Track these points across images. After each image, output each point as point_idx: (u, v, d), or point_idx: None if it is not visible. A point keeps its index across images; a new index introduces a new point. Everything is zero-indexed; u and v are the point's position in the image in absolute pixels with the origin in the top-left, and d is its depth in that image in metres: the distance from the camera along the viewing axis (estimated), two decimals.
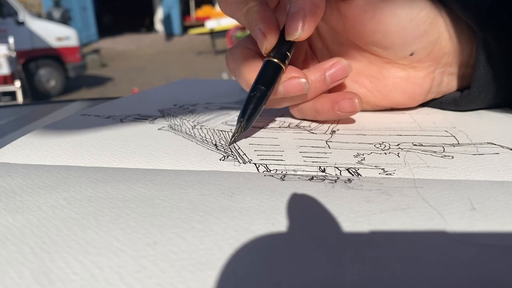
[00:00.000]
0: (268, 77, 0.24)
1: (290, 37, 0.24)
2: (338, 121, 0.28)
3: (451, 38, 0.28)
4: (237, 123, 0.24)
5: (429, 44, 0.27)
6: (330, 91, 0.28)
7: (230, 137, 0.24)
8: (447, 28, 0.27)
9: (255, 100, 0.24)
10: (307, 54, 0.30)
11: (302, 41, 0.28)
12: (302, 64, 0.30)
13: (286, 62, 0.25)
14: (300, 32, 0.23)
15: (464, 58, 0.28)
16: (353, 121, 0.28)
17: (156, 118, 0.29)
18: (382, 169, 0.19)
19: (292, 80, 0.25)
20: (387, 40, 0.26)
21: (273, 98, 0.26)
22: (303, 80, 0.25)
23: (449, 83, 0.30)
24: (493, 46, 0.26)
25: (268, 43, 0.24)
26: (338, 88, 0.29)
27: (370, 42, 0.27)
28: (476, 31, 0.26)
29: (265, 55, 0.25)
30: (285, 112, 0.31)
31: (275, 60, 0.24)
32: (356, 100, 0.26)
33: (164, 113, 0.30)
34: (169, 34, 9.71)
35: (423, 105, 0.32)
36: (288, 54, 0.25)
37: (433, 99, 0.31)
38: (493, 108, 0.30)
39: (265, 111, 0.31)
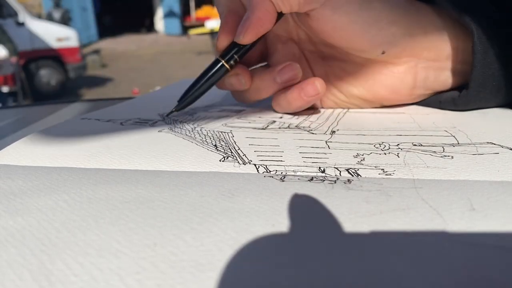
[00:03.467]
0: (209, 72, 0.29)
1: (235, 39, 0.28)
2: (337, 121, 0.28)
3: (428, 33, 0.28)
4: (176, 103, 0.30)
5: (398, 41, 0.28)
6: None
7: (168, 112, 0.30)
8: (420, 24, 0.28)
9: (193, 89, 0.29)
10: (295, 57, 0.32)
11: (290, 46, 0.32)
12: None
13: (232, 62, 0.29)
14: (241, 37, 0.27)
15: (451, 53, 0.29)
16: (352, 121, 0.28)
17: (156, 122, 0.29)
18: (382, 169, 0.19)
19: (233, 76, 0.29)
20: (355, 45, 0.28)
21: (238, 92, 0.31)
22: (241, 76, 0.30)
23: (438, 79, 0.30)
24: (490, 46, 0.26)
25: (219, 43, 0.29)
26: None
27: (343, 47, 0.29)
28: (472, 30, 0.27)
29: (216, 54, 0.29)
30: (285, 114, 0.31)
31: (220, 58, 0.29)
32: (317, 83, 0.29)
33: (164, 117, 0.31)
34: (169, 34, 9.71)
35: (421, 104, 0.32)
36: (236, 56, 0.29)
37: (431, 98, 0.31)
38: (493, 108, 0.30)
39: (265, 112, 0.31)
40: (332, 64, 0.32)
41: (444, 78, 0.30)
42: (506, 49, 0.27)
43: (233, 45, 0.28)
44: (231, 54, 0.28)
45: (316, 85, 0.29)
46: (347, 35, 0.28)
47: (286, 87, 0.30)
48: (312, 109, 0.32)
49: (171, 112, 0.30)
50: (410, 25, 0.28)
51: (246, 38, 0.27)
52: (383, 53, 0.28)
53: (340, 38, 0.28)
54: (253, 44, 0.28)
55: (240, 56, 0.29)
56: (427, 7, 0.29)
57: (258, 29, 0.27)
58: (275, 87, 0.30)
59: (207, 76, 0.29)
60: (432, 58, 0.29)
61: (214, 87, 0.30)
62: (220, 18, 0.29)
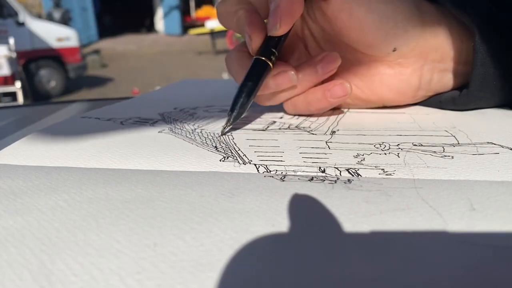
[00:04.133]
0: (255, 73, 0.26)
1: (270, 33, 0.26)
2: (338, 121, 0.28)
3: (437, 34, 0.28)
4: (227, 117, 0.26)
5: (411, 39, 0.27)
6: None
7: (222, 128, 0.26)
8: (431, 24, 0.28)
9: (243, 95, 0.26)
10: (301, 53, 0.31)
11: (296, 42, 0.31)
12: (297, 63, 0.31)
13: (273, 58, 0.27)
14: (277, 27, 0.25)
15: (455, 54, 0.29)
16: (352, 121, 0.28)
17: (156, 122, 0.29)
18: (382, 169, 0.19)
19: (281, 74, 0.27)
20: (367, 37, 0.27)
21: (268, 94, 0.28)
22: (291, 72, 0.27)
23: (441, 80, 0.30)
24: (491, 45, 0.26)
25: (253, 43, 0.26)
26: (328, 80, 0.30)
27: (353, 40, 0.28)
28: (474, 30, 0.27)
29: (253, 54, 0.27)
30: (285, 114, 0.31)
31: (262, 57, 0.26)
32: (347, 84, 0.28)
33: (164, 117, 0.30)
34: (169, 34, 9.72)
35: (421, 104, 0.32)
36: (274, 51, 0.27)
37: (432, 98, 0.31)
38: (493, 108, 0.30)
39: (265, 113, 0.31)
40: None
41: (446, 80, 0.30)
42: (507, 49, 0.27)
43: (267, 41, 0.26)
44: (268, 49, 0.26)
45: (346, 86, 0.27)
46: (362, 25, 0.27)
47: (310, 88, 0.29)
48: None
49: (224, 128, 0.26)
50: (422, 24, 0.27)
51: (283, 27, 0.25)
52: (394, 50, 0.27)
53: (354, 29, 0.27)
54: (286, 35, 0.27)
55: (278, 50, 0.27)
56: (432, 7, 0.29)
57: (292, 14, 0.25)
58: (316, 79, 0.28)
59: (255, 79, 0.26)
60: (438, 59, 0.29)
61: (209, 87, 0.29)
62: (238, 23, 0.27)
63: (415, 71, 0.29)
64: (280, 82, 0.27)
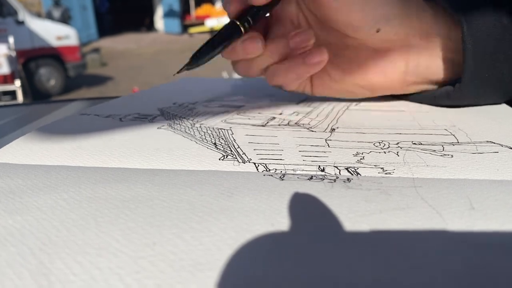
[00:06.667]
0: (225, 32, 0.28)
1: (249, 1, 0.28)
2: (337, 119, 0.28)
3: (421, 18, 0.29)
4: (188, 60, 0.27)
5: (394, 20, 0.28)
6: None
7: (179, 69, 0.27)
8: (415, 7, 0.29)
9: (206, 47, 0.27)
10: None
11: (291, 30, 0.32)
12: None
13: (246, 25, 0.28)
14: None
15: (442, 41, 0.29)
16: (352, 119, 0.28)
17: (155, 117, 0.29)
18: (382, 168, 0.19)
19: (248, 40, 0.29)
20: (352, 18, 0.28)
21: (243, 62, 0.31)
22: (258, 40, 0.29)
23: (430, 67, 0.30)
24: (479, 34, 0.27)
25: (231, 8, 0.28)
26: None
27: (340, 22, 0.29)
28: (462, 23, 0.27)
29: (230, 17, 0.28)
30: (284, 109, 0.31)
31: (236, 21, 0.28)
32: (323, 48, 0.30)
33: (163, 112, 0.30)
34: (168, 33, 9.71)
35: (416, 100, 0.32)
36: (249, 19, 0.28)
37: (426, 93, 0.31)
38: (492, 105, 0.30)
39: (264, 109, 0.31)
40: (327, 50, 0.32)
41: (436, 66, 0.30)
42: (497, 40, 0.27)
43: (247, 10, 0.28)
44: (245, 16, 0.28)
45: (323, 50, 0.29)
46: (346, 7, 0.28)
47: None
48: (304, 102, 0.32)
49: (182, 69, 0.27)
50: (406, 6, 0.28)
51: None
52: (378, 31, 0.28)
53: (339, 10, 0.28)
54: (266, 9, 0.28)
55: (254, 20, 0.28)
56: None
57: None
58: (286, 51, 0.30)
59: (223, 36, 0.28)
60: (424, 45, 0.29)
61: (220, 83, 0.30)
62: None
63: (400, 54, 0.30)
64: (247, 47, 0.29)
